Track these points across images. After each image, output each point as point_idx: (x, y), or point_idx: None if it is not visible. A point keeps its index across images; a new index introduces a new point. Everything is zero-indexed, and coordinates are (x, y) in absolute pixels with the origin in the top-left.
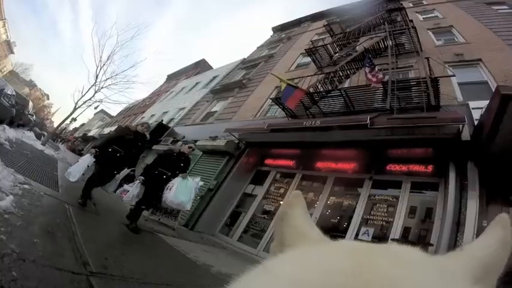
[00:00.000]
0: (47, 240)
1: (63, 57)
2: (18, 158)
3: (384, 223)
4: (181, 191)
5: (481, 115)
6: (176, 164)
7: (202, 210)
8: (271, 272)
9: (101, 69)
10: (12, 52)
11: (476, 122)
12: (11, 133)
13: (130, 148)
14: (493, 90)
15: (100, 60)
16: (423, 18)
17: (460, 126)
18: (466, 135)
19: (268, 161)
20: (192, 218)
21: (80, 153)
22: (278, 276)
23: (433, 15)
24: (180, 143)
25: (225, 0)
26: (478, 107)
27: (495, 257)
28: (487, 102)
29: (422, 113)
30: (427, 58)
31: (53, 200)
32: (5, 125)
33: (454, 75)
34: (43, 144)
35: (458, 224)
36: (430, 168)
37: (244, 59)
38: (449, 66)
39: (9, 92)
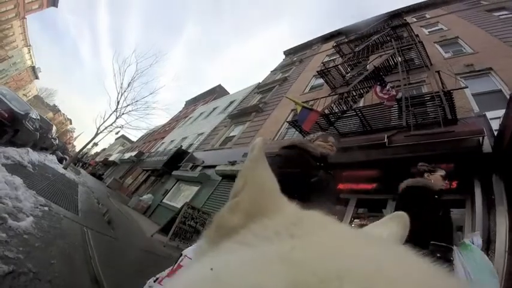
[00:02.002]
0: (64, 262)
1: (85, 83)
2: (40, 181)
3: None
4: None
5: (500, 125)
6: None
7: None
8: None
9: (121, 95)
10: (37, 77)
11: (496, 133)
12: (34, 156)
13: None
14: (508, 97)
15: (121, 87)
16: (428, 32)
17: (480, 138)
18: (487, 147)
19: None
20: None
21: (101, 178)
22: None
23: (437, 28)
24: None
25: (234, 26)
26: (496, 117)
27: None
28: (503, 111)
29: (440, 128)
30: (438, 72)
31: (72, 223)
32: (28, 148)
33: (467, 87)
34: (65, 168)
35: (488, 242)
36: (454, 184)
37: (259, 83)
38: (461, 78)
39: (33, 116)
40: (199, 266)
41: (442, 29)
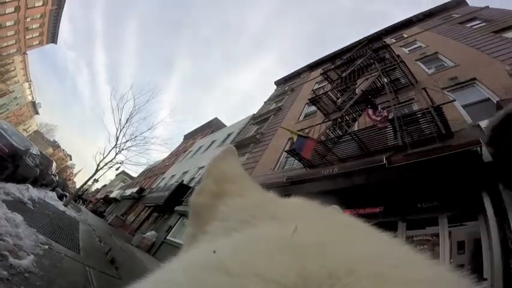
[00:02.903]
0: None
1: (84, 119)
2: (41, 218)
3: None
4: None
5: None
6: None
7: None
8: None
9: (120, 131)
10: (37, 113)
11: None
12: (34, 193)
13: None
14: (496, 104)
15: (119, 123)
16: (408, 51)
17: (478, 148)
18: (487, 156)
19: None
20: None
21: (102, 215)
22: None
23: (416, 46)
24: None
25: (223, 58)
26: None
27: None
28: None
29: (437, 143)
30: (424, 88)
31: (74, 262)
32: (28, 184)
33: (454, 100)
34: (65, 205)
35: (507, 250)
36: (462, 198)
37: (254, 114)
38: (448, 92)
39: (34, 152)
40: (198, 251)
41: (420, 46)
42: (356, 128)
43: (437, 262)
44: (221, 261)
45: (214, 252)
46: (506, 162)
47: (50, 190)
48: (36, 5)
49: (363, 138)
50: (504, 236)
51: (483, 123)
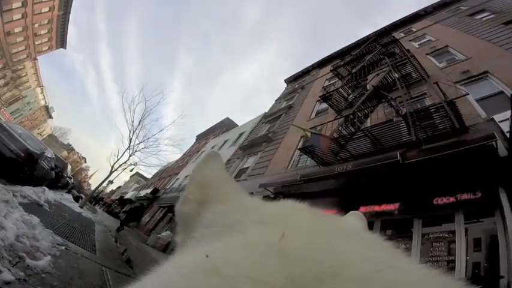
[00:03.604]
0: None
1: (95, 121)
2: (57, 220)
3: (447, 262)
4: None
5: (511, 126)
6: None
7: None
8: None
9: (133, 133)
10: (50, 117)
11: (508, 135)
12: (50, 195)
13: None
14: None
15: (132, 125)
16: (418, 45)
17: (493, 143)
18: (502, 150)
19: None
20: None
21: (117, 216)
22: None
23: (426, 39)
24: None
25: (228, 54)
26: (504, 119)
27: None
28: (510, 112)
29: (451, 139)
30: (436, 83)
31: (90, 263)
32: (44, 187)
33: (467, 94)
34: (81, 206)
35: None
36: (478, 194)
37: (265, 113)
38: (460, 86)
39: (49, 155)
40: (190, 254)
41: (430, 40)
42: (368, 124)
43: (427, 266)
44: (214, 265)
45: (207, 256)
46: None
47: (66, 192)
48: (43, 11)
49: (376, 134)
50: None
51: (498, 117)
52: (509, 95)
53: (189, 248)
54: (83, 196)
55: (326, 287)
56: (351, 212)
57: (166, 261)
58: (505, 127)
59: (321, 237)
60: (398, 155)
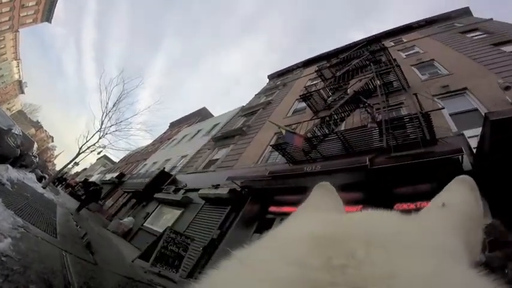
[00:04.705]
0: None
1: (68, 99)
2: (18, 200)
3: None
4: None
5: (479, 143)
6: None
7: (206, 261)
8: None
9: (106, 115)
10: (22, 92)
11: (474, 151)
12: (13, 173)
13: None
14: (483, 116)
15: (106, 107)
16: (405, 55)
17: (460, 157)
18: (467, 165)
19: (272, 209)
20: (195, 270)
21: (80, 199)
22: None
23: (414, 51)
24: None
25: (213, 37)
26: (473, 135)
27: (472, 214)
28: (480, 129)
29: (420, 149)
30: (415, 94)
31: (51, 247)
32: (8, 165)
33: (443, 108)
34: (44, 187)
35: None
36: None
37: (243, 106)
38: (438, 99)
39: (16, 132)
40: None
41: (418, 52)
42: (343, 128)
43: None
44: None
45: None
46: (484, 173)
47: (30, 171)
48: None
49: (348, 138)
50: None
51: (468, 133)
52: (483, 114)
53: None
54: (47, 176)
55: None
56: (463, 178)
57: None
58: (473, 143)
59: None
60: (367, 160)
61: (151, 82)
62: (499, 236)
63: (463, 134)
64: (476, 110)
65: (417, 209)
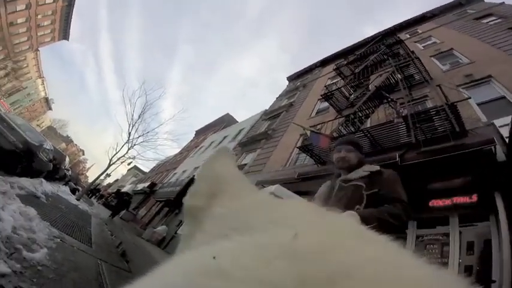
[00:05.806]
0: None
1: (93, 112)
2: (53, 212)
3: (440, 265)
4: None
5: (510, 131)
6: None
7: None
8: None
9: (132, 127)
10: (50, 108)
11: (507, 140)
12: (48, 187)
13: None
14: None
15: (132, 119)
16: (423, 46)
17: (492, 147)
18: (501, 156)
19: None
20: None
21: (112, 208)
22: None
23: (431, 41)
24: None
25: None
26: (504, 124)
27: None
28: (510, 117)
29: (450, 142)
30: (439, 85)
31: (86, 256)
32: (42, 179)
33: (469, 97)
34: (78, 199)
35: None
36: (474, 197)
37: (266, 110)
38: (462, 89)
39: (47, 147)
40: (197, 254)
41: (435, 42)
42: (369, 125)
43: (438, 267)
44: (221, 267)
45: (214, 258)
46: None
47: (63, 184)
48: (47, 1)
49: (375, 135)
50: None
51: (498, 122)
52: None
53: (198, 241)
54: (80, 188)
55: (340, 287)
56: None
57: (170, 259)
58: (505, 132)
59: (332, 238)
60: (397, 156)
61: (171, 91)
62: None
63: (493, 124)
64: (503, 97)
65: (453, 205)
